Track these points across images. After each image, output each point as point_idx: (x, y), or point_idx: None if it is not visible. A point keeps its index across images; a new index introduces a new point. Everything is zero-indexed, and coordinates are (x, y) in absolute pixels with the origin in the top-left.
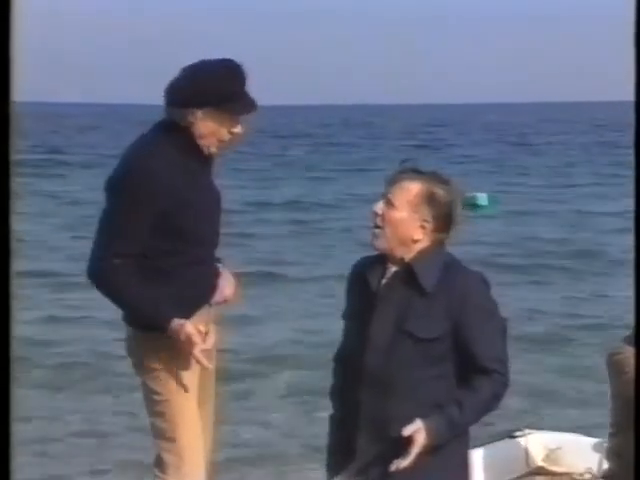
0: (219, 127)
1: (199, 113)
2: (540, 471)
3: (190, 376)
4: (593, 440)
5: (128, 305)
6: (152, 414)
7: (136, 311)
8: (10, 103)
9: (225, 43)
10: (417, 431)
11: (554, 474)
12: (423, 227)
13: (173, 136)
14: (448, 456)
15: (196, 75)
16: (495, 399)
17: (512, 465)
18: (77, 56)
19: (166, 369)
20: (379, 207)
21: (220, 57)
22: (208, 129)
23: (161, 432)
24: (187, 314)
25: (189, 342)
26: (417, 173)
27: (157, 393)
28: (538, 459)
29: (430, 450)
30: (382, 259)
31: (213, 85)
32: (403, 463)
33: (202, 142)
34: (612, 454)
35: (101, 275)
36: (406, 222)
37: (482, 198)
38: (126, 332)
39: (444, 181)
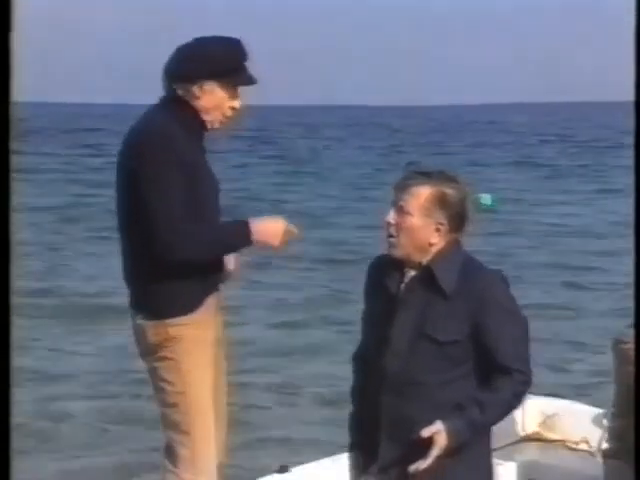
0: (223, 100)
1: (205, 85)
2: (535, 437)
3: (205, 367)
4: (592, 409)
5: (220, 251)
6: (165, 405)
7: (229, 249)
8: (10, 103)
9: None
10: (437, 433)
11: (549, 441)
12: (438, 230)
13: (178, 111)
14: (470, 458)
15: (200, 49)
16: (516, 398)
17: (507, 430)
18: (78, 55)
19: (181, 360)
20: (391, 216)
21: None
22: (213, 102)
23: (174, 424)
24: (202, 298)
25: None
26: (424, 176)
27: (171, 384)
28: (534, 425)
29: (451, 451)
30: (399, 261)
31: (218, 57)
32: (423, 464)
33: (207, 117)
34: (614, 436)
35: (179, 248)
36: (421, 228)
37: (486, 198)
38: (134, 319)
39: (452, 179)
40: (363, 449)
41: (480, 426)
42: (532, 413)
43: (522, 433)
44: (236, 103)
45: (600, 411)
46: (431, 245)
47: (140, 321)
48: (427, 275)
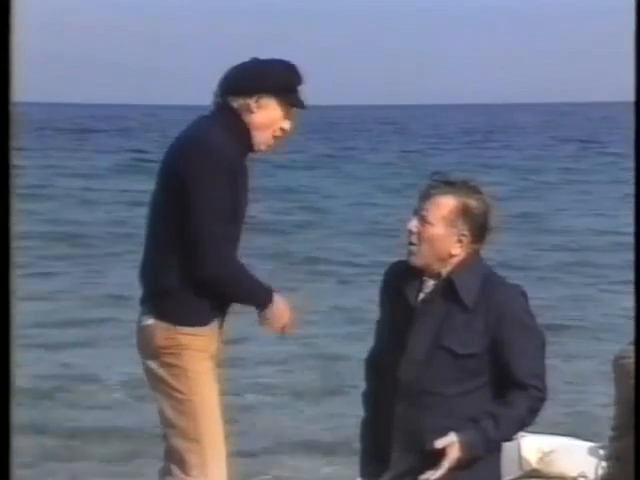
0: (277, 118)
1: (263, 100)
2: (533, 474)
3: (210, 376)
4: (587, 444)
5: (248, 293)
6: (173, 413)
7: (253, 297)
8: (10, 103)
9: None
10: (451, 444)
11: (547, 477)
12: (460, 241)
13: (228, 124)
14: (480, 470)
15: (260, 66)
16: (531, 414)
17: (505, 468)
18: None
19: (188, 368)
20: (413, 225)
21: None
22: (267, 118)
23: (184, 432)
24: (215, 312)
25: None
26: (449, 186)
27: (180, 392)
28: (532, 462)
29: (463, 464)
30: (418, 269)
31: (278, 74)
32: (434, 475)
33: (257, 134)
34: (612, 458)
35: (223, 274)
36: (443, 238)
37: None
38: (140, 320)
39: (476, 191)
40: (374, 457)
41: (493, 440)
42: (529, 450)
43: (520, 471)
44: (287, 124)
45: (596, 444)
46: (452, 256)
47: (151, 321)
48: (447, 286)
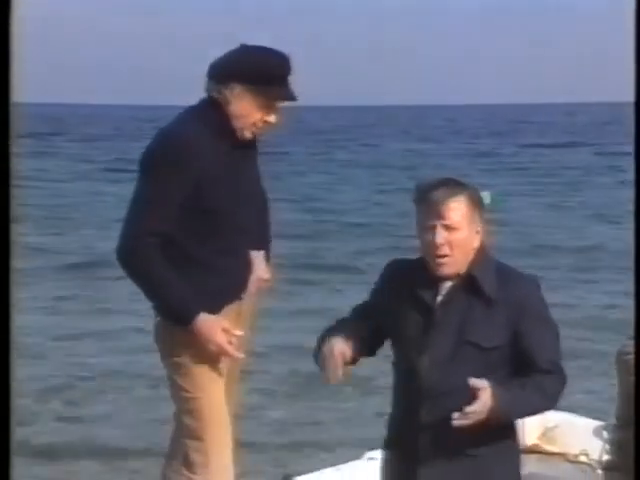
0: (254, 110)
1: (237, 89)
2: (535, 449)
3: (217, 373)
4: (592, 422)
5: (154, 290)
6: (180, 411)
7: (162, 298)
8: (10, 104)
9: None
10: (483, 389)
11: (548, 453)
12: (478, 232)
13: (209, 113)
14: (503, 457)
15: (239, 53)
16: (553, 397)
17: None
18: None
19: (195, 366)
20: (442, 237)
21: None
22: (243, 109)
23: (190, 430)
24: (215, 308)
25: (213, 342)
26: (446, 187)
27: (186, 390)
28: (534, 437)
29: (486, 423)
30: (438, 275)
31: (254, 64)
32: (462, 418)
33: (236, 123)
34: (615, 447)
35: (132, 254)
36: (469, 238)
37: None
38: (155, 319)
39: (465, 183)
40: (398, 457)
41: (519, 405)
42: (532, 425)
43: (521, 445)
44: (270, 117)
45: (600, 423)
46: (473, 250)
47: (157, 321)
48: (468, 283)
